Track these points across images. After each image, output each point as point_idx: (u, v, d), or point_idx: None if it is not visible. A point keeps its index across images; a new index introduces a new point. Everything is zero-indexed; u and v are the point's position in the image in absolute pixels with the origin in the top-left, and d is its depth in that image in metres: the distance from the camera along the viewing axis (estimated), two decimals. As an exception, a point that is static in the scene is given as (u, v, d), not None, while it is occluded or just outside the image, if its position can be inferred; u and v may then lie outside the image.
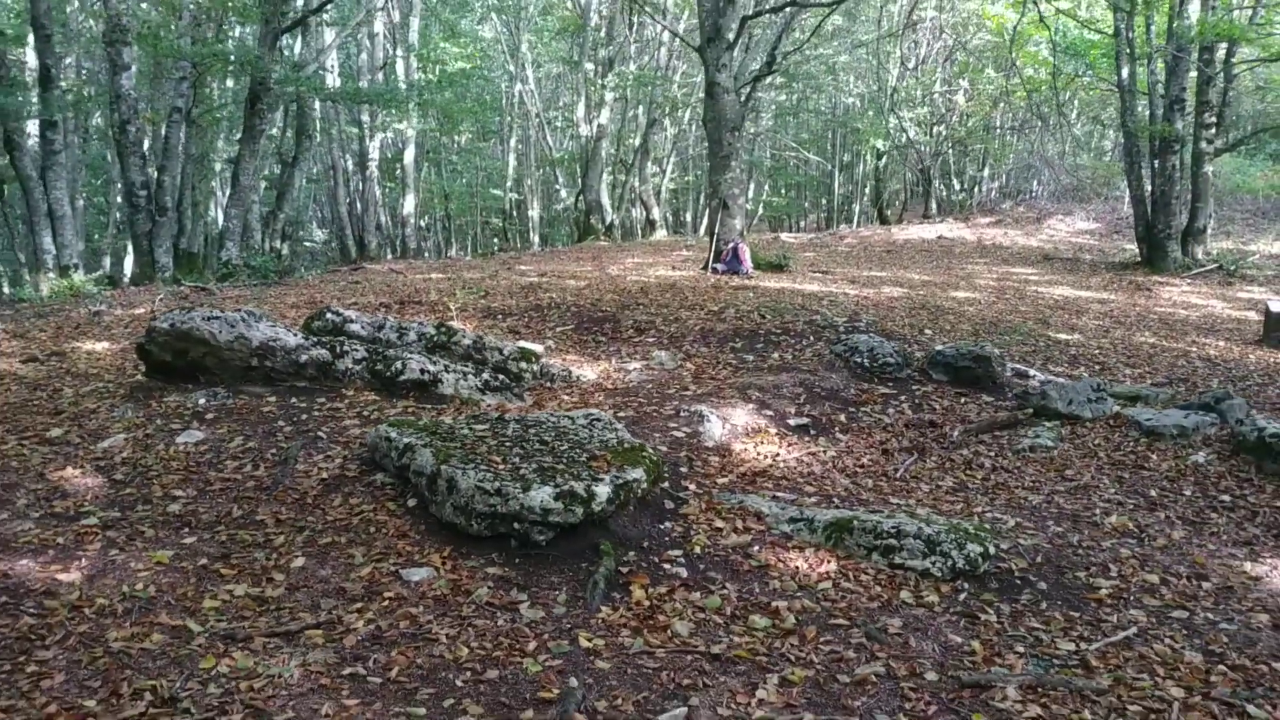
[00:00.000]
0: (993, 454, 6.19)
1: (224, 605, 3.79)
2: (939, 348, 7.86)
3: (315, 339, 6.62)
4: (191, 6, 14.71)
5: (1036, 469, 5.97)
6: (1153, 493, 5.66)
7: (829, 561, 4.35)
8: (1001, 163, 30.53)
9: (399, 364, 6.45)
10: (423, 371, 6.43)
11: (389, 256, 24.80)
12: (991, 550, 4.43)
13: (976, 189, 31.02)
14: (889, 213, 30.08)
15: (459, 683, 3.33)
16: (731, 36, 14.39)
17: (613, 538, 4.38)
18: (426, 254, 28.87)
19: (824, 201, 38.12)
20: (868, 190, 33.05)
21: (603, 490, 4.35)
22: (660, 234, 27.42)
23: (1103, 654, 3.75)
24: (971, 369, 7.44)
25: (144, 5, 18.63)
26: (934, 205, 29.11)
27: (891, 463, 5.98)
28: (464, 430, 5.00)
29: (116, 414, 5.87)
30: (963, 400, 7.20)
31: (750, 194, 39.35)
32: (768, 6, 15.37)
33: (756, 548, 4.48)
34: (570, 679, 3.36)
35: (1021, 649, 3.75)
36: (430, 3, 25.55)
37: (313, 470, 5.05)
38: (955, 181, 31.17)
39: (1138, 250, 18.88)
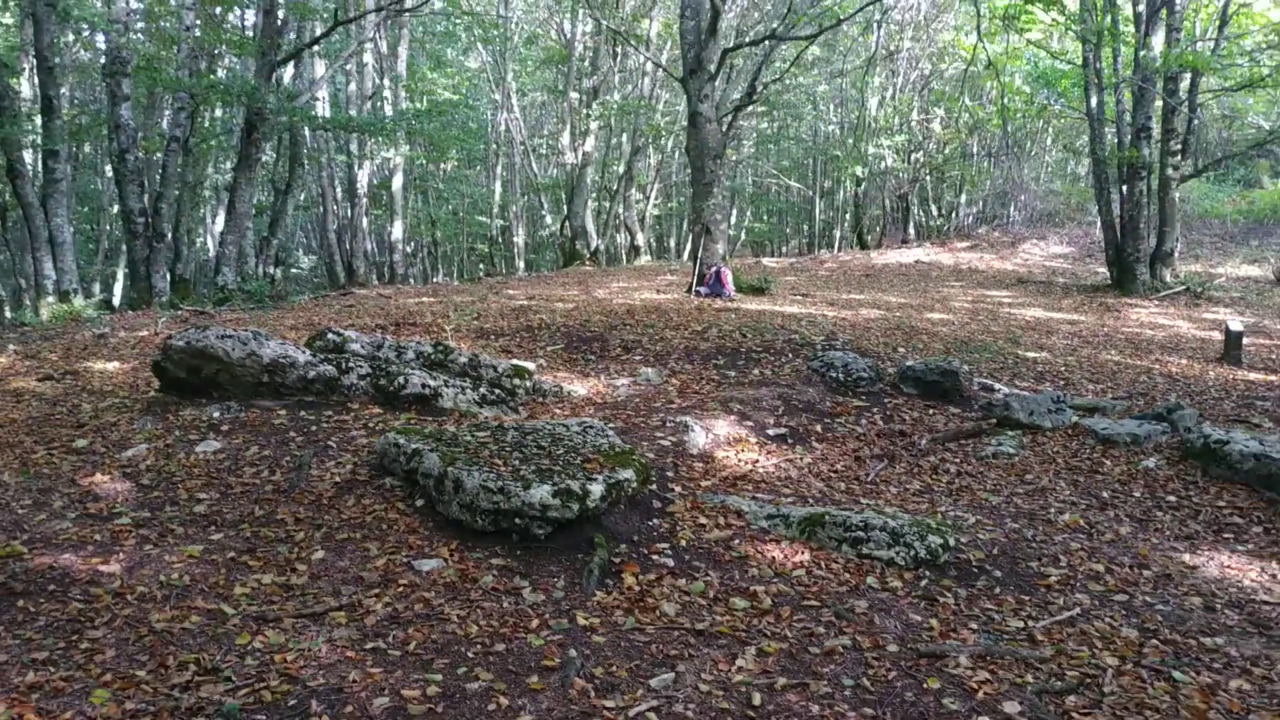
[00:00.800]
0: (958, 460, 6.64)
1: (253, 592, 4.18)
2: (909, 363, 8.32)
3: (322, 356, 7.01)
4: (189, 40, 15.12)
5: (998, 474, 6.41)
6: (1104, 494, 6.10)
7: (803, 552, 4.77)
8: (978, 189, 31.20)
9: (401, 379, 6.85)
10: (424, 386, 6.83)
11: (376, 282, 25.17)
12: (951, 542, 4.86)
13: (954, 215, 31.68)
14: (868, 238, 30.69)
15: (470, 654, 3.73)
16: (713, 68, 14.91)
17: (606, 532, 4.78)
18: (413, 280, 29.27)
19: (805, 227, 38.75)
20: (849, 216, 33.69)
21: (596, 489, 4.76)
22: (644, 259, 27.91)
23: (1048, 630, 4.17)
24: (940, 383, 7.90)
25: (138, 35, 19.09)
26: (912, 231, 29.73)
27: (863, 468, 6.41)
28: (467, 437, 5.41)
29: (137, 426, 6.24)
30: (931, 412, 7.65)
31: (733, 220, 40.00)
32: (747, 40, 15.92)
33: (737, 541, 4.90)
34: (570, 650, 3.76)
35: (975, 626, 4.18)
36: (418, 34, 26.04)
37: (326, 475, 5.44)
38: (934, 207, 31.85)
39: (1108, 273, 19.46)
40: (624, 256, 29.32)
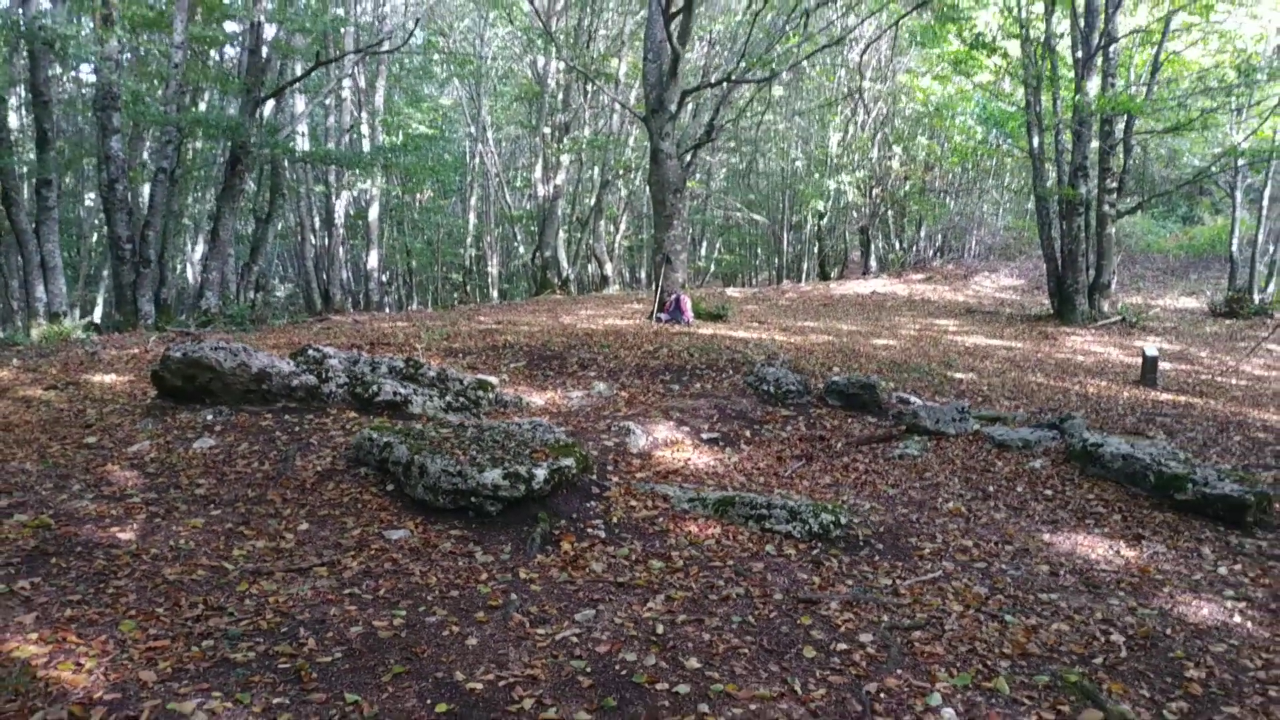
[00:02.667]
0: (867, 461, 7.52)
1: (249, 554, 4.98)
2: (834, 378, 9.22)
3: (304, 367, 7.83)
4: (177, 77, 15.97)
5: (900, 471, 7.30)
6: (990, 488, 7.00)
7: (715, 527, 5.63)
8: (937, 223, 32.43)
9: (375, 387, 7.68)
10: (395, 394, 7.66)
11: (352, 309, 25.96)
12: (842, 520, 5.73)
13: (914, 248, 32.87)
14: (831, 270, 31.78)
15: (429, 598, 4.55)
16: (673, 108, 15.89)
17: (549, 510, 5.62)
18: (389, 307, 30.08)
19: (775, 259, 39.90)
20: (815, 248, 34.84)
21: (541, 473, 5.61)
22: (613, 288, 28.84)
23: (911, 587, 5.04)
24: (860, 395, 8.81)
25: (124, 67, 19.87)
26: (874, 263, 30.87)
27: (783, 466, 7.29)
28: (432, 433, 6.24)
29: (139, 426, 7.03)
30: (850, 420, 8.55)
31: (703, 252, 41.09)
32: (705, 82, 16.95)
33: (661, 519, 5.75)
34: (511, 594, 4.60)
35: (850, 583, 5.05)
36: (395, 70, 26.99)
37: (308, 465, 6.25)
38: (895, 240, 33.04)
39: (1050, 304, 20.54)
40: (595, 286, 30.26)
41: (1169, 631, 4.73)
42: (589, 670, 3.93)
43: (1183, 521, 6.50)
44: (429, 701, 3.65)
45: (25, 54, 16.89)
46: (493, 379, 9.09)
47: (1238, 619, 4.95)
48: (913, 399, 9.28)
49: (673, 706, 3.69)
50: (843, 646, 4.27)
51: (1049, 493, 6.97)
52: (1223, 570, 5.67)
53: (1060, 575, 5.39)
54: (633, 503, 5.98)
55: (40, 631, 4.02)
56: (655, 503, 6.00)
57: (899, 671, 4.08)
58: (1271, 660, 4.48)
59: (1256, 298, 21.18)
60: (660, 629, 4.32)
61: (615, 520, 5.69)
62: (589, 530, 5.53)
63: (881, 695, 3.88)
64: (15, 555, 4.74)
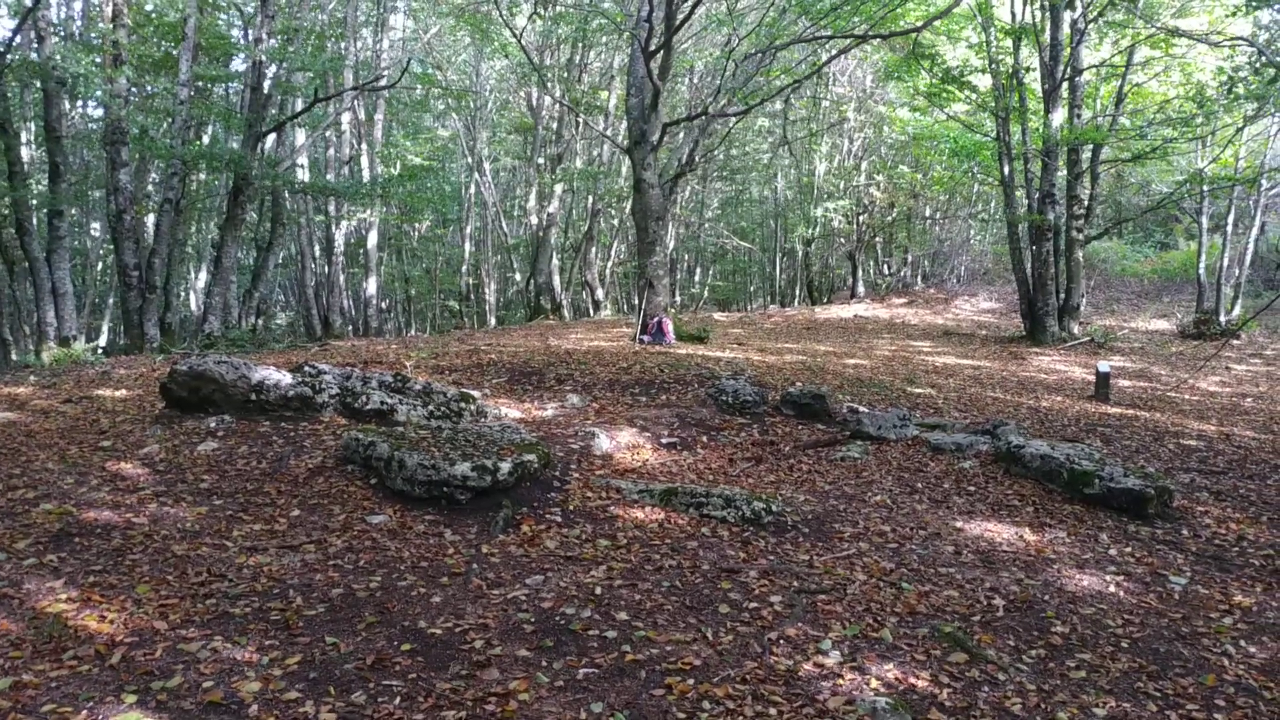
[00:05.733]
0: (811, 462, 8.25)
1: (247, 534, 5.71)
2: (790, 390, 9.97)
3: (299, 379, 8.58)
4: (183, 113, 16.83)
5: (840, 471, 8.03)
6: (919, 485, 7.73)
7: (659, 513, 6.37)
8: (923, 248, 33.29)
9: (364, 398, 8.42)
10: (382, 403, 8.40)
11: (351, 335, 26.74)
12: (774, 509, 6.45)
13: (900, 273, 33.71)
14: (820, 295, 32.61)
15: (402, 568, 5.28)
16: (655, 140, 16.71)
17: (513, 499, 6.36)
18: (387, 334, 30.83)
19: (767, 285, 40.74)
20: (803, 273, 35.70)
21: (505, 466, 6.35)
22: (605, 313, 29.63)
23: (824, 561, 5.77)
24: (811, 405, 9.55)
25: (132, 104, 20.77)
26: (861, 287, 31.67)
27: (734, 467, 8.02)
28: (411, 434, 6.99)
29: (149, 433, 7.78)
30: (800, 427, 9.29)
31: (696, 278, 41.95)
32: (682, 117, 17.80)
33: (612, 507, 6.48)
34: (473, 565, 5.33)
35: (773, 558, 5.77)
36: (393, 104, 27.90)
37: (301, 464, 6.99)
38: (883, 265, 33.89)
39: (1023, 326, 21.31)
40: (589, 311, 31.06)
41: (1047, 598, 5.44)
42: (533, 621, 4.66)
43: (1089, 513, 7.22)
44: (396, 644, 4.38)
45: (39, 91, 17.77)
46: (475, 393, 9.82)
47: (1113, 589, 5.66)
48: (861, 409, 10.01)
49: (600, 647, 4.42)
50: (754, 605, 5.00)
51: (972, 489, 7.69)
52: (1113, 552, 6.38)
53: (963, 555, 6.11)
54: (589, 494, 6.71)
55: (69, 593, 4.76)
56: (609, 494, 6.74)
57: (799, 625, 4.81)
58: (1130, 620, 5.20)
59: (1223, 319, 21.92)
60: (598, 591, 5.04)
61: (572, 508, 6.43)
62: (547, 516, 6.26)
63: (780, 641, 4.60)
64: (43, 536, 5.48)
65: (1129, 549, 6.47)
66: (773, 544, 6.03)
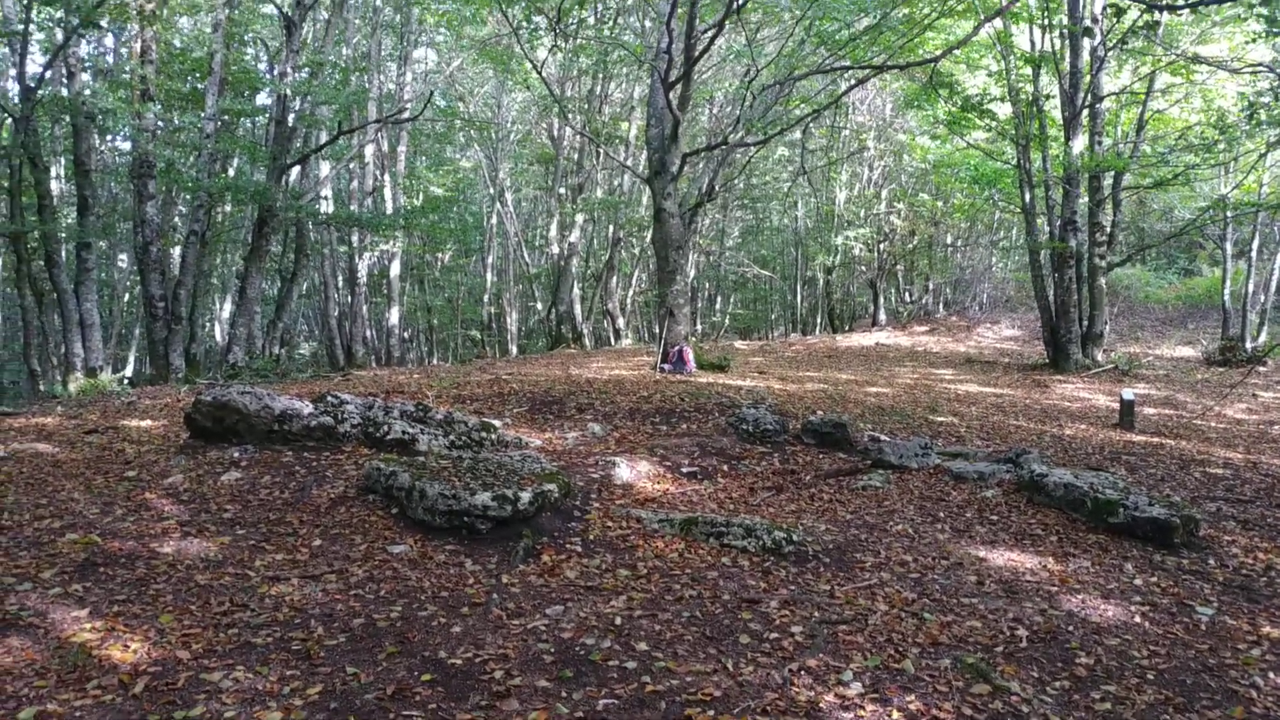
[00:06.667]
0: (832, 491, 8.23)
1: (269, 564, 5.75)
2: (810, 418, 9.95)
3: (322, 409, 8.64)
4: (209, 147, 17.07)
5: (861, 500, 8.00)
6: (940, 514, 7.69)
7: (679, 543, 6.36)
8: (945, 276, 33.25)
9: (385, 427, 8.47)
10: (404, 433, 8.44)
11: (374, 365, 26.92)
12: (794, 538, 6.43)
13: (922, 300, 33.66)
14: (842, 323, 32.60)
15: (423, 597, 5.30)
16: (675, 170, 16.81)
17: (533, 529, 6.37)
18: (409, 363, 31.02)
19: (789, 313, 40.79)
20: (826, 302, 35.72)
21: (526, 495, 6.36)
22: (626, 342, 29.71)
23: (846, 591, 5.74)
24: (832, 434, 9.53)
25: (159, 138, 21.08)
26: (882, 315, 31.65)
27: (755, 496, 8.00)
28: (433, 464, 7.02)
29: (173, 463, 7.85)
30: (821, 456, 9.27)
31: (718, 307, 42.01)
32: (702, 147, 17.91)
33: (633, 537, 6.48)
34: (493, 595, 5.33)
35: (794, 588, 5.74)
36: (416, 136, 28.21)
37: (323, 493, 7.03)
38: (905, 293, 33.87)
39: (1046, 353, 21.20)
40: (610, 340, 31.16)
41: (1071, 629, 5.39)
42: (553, 651, 4.66)
43: (1114, 542, 7.15)
44: (416, 674, 4.39)
45: (69, 125, 18.07)
46: (496, 422, 9.86)
47: (1138, 620, 5.60)
48: (883, 437, 9.98)
49: (620, 678, 4.41)
50: (775, 635, 4.98)
51: (994, 518, 7.64)
52: (1138, 582, 6.32)
53: (986, 584, 6.07)
54: (609, 524, 6.71)
55: (93, 622, 4.79)
56: (629, 524, 6.73)
57: (821, 655, 4.78)
58: (1156, 651, 5.14)
59: (1249, 346, 21.75)
60: (618, 621, 5.04)
61: (592, 538, 6.43)
62: (568, 545, 6.26)
63: (801, 672, 4.58)
64: (69, 565, 5.53)
65: (1154, 579, 6.40)
66: (794, 574, 6.01)
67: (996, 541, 7.06)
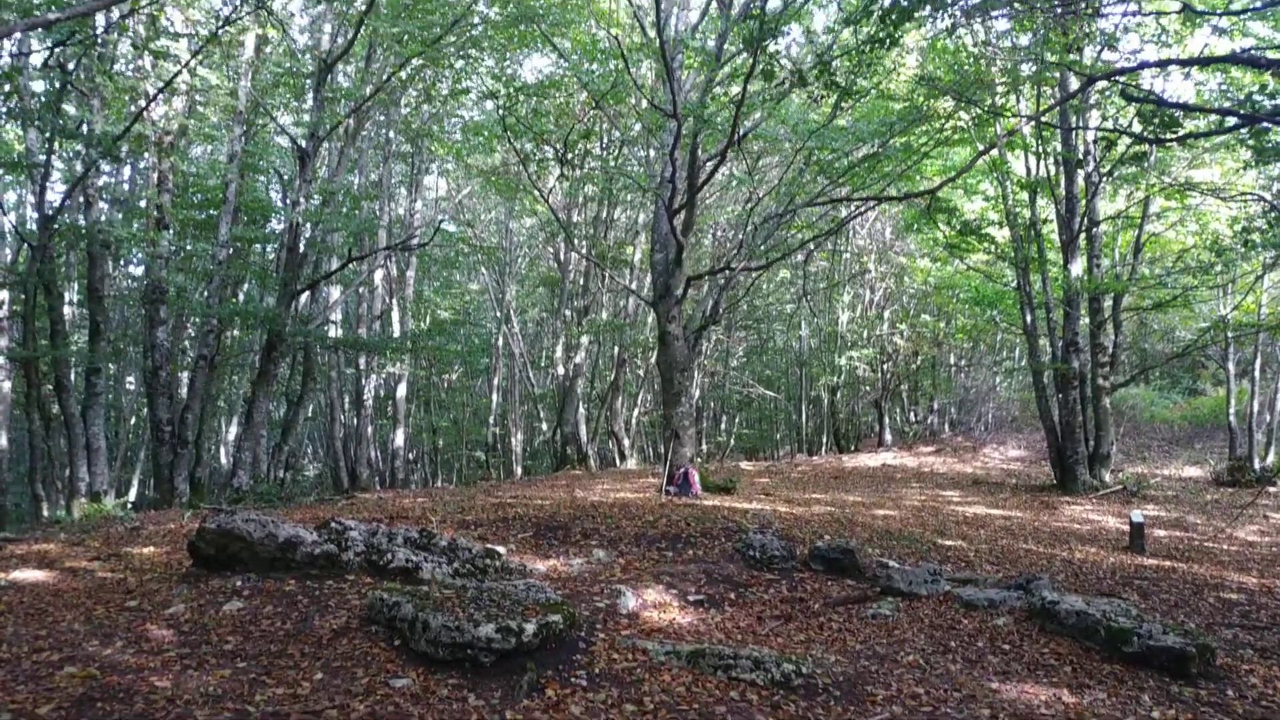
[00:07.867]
0: (842, 620, 8.11)
1: (269, 699, 5.64)
2: (818, 544, 9.87)
3: (325, 536, 8.60)
4: (221, 273, 17.40)
5: (871, 629, 7.87)
6: (952, 643, 7.56)
7: (687, 676, 6.24)
8: (949, 396, 33.33)
9: (389, 555, 8.41)
10: (407, 561, 8.38)
11: (379, 487, 26.82)
12: (804, 670, 6.32)
13: (927, 420, 33.66)
14: (847, 443, 32.54)
15: (425, 735, 5.19)
16: (679, 293, 17.06)
17: (537, 661, 6.27)
18: (414, 485, 30.92)
19: (794, 433, 40.77)
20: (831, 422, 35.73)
21: (530, 627, 6.28)
22: (631, 463, 29.63)
23: (858, 726, 5.61)
24: (840, 560, 9.44)
25: (172, 264, 21.50)
26: (888, 435, 31.60)
27: (763, 626, 7.89)
28: (436, 594, 6.95)
29: (175, 592, 7.78)
30: (830, 583, 9.16)
31: (723, 427, 42.01)
32: (705, 271, 18.21)
33: (639, 669, 6.37)
34: (497, 732, 5.22)
35: (804, 723, 5.62)
36: (425, 260, 28.72)
37: (326, 624, 6.95)
38: (910, 413, 33.91)
39: (1053, 474, 21.10)
40: (616, 460, 31.09)
41: (1089, 765, 5.26)
42: (557, 792, 4.54)
43: (1129, 672, 7.02)
44: (417, 817, 4.27)
45: (84, 251, 18.45)
46: (500, 548, 9.79)
47: (1158, 756, 5.47)
48: (891, 563, 9.88)
49: (626, 821, 4.29)
50: (785, 775, 4.86)
51: (1006, 647, 7.51)
52: (1156, 715, 6.18)
53: (999, 718, 5.93)
54: (614, 655, 6.60)
55: (88, 762, 4.70)
56: (635, 655, 6.63)
57: (832, 796, 4.66)
58: (1178, 789, 5.00)
59: (1257, 465, 21.65)
60: (625, 760, 4.93)
61: (597, 670, 6.32)
62: (572, 679, 6.15)
63: (813, 814, 4.45)
64: (66, 700, 5.44)
65: (1172, 711, 6.27)
66: (803, 708, 5.89)
67: (1009, 673, 6.93)
